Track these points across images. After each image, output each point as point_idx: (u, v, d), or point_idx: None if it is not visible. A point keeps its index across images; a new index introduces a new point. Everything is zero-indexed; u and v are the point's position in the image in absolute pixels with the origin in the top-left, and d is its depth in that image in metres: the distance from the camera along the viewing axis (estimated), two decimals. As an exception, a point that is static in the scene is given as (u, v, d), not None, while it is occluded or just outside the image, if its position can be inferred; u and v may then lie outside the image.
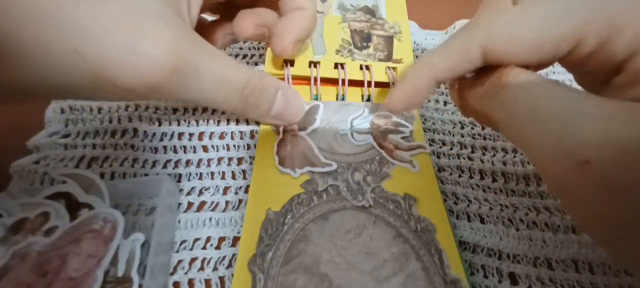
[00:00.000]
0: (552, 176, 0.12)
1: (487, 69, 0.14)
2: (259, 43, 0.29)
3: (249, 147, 0.22)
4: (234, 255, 0.18)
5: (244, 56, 0.28)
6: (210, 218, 0.19)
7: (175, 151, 0.22)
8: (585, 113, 0.11)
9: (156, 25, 0.13)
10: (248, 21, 0.20)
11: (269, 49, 0.22)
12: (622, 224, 0.10)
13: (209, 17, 0.22)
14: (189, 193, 0.20)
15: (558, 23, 0.13)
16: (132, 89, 0.13)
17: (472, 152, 0.23)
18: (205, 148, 0.22)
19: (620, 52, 0.12)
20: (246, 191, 0.20)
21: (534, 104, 0.12)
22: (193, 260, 0.18)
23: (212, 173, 0.21)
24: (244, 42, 0.29)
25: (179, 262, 0.18)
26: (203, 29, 0.21)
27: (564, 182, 0.11)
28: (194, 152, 0.22)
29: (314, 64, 0.23)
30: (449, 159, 0.22)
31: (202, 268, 0.17)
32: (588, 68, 0.14)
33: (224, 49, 0.28)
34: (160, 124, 0.23)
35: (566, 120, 0.11)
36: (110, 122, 0.23)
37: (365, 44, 0.24)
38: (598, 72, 0.14)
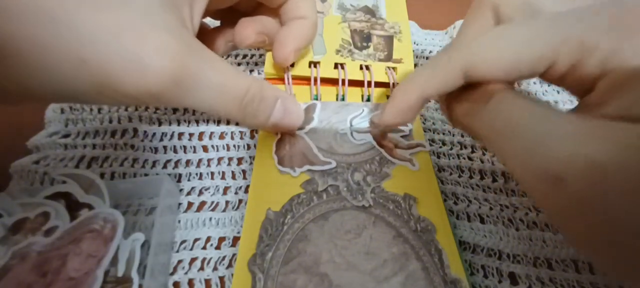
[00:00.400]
0: (531, 191, 0.12)
1: (472, 84, 0.15)
2: (258, 48, 0.29)
3: (249, 147, 0.22)
4: (234, 255, 0.18)
5: (244, 56, 0.28)
6: (210, 218, 0.19)
7: (175, 151, 0.22)
8: (557, 132, 0.11)
9: (160, 34, 0.13)
10: (249, 29, 0.20)
11: (269, 52, 0.23)
12: (598, 238, 0.11)
13: (211, 24, 0.22)
14: (189, 193, 0.20)
15: (533, 45, 0.13)
16: (135, 97, 0.13)
17: (472, 152, 0.23)
18: (205, 149, 0.22)
19: (591, 73, 0.13)
20: (246, 191, 0.20)
21: (512, 123, 0.13)
22: (193, 260, 0.18)
23: (212, 173, 0.21)
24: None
25: (179, 262, 0.18)
26: (205, 36, 0.21)
27: (542, 197, 0.12)
28: (194, 152, 0.22)
29: (314, 64, 0.23)
30: (449, 159, 0.22)
31: (202, 268, 0.17)
32: (564, 85, 0.14)
33: (225, 56, 0.28)
34: (160, 124, 0.23)
35: (540, 139, 0.12)
36: (110, 122, 0.23)
37: (365, 44, 0.24)
38: (574, 89, 0.14)
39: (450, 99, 0.16)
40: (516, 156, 0.12)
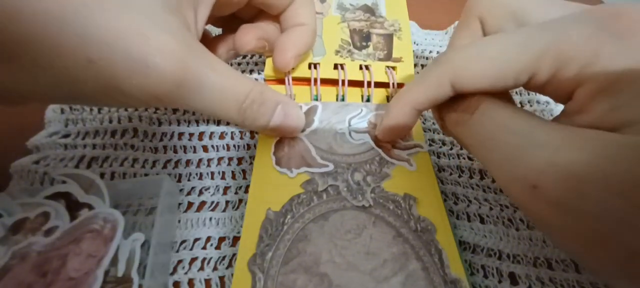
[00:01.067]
0: (513, 198, 0.13)
1: (461, 94, 0.15)
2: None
3: (249, 147, 0.22)
4: (234, 255, 0.18)
5: (244, 57, 0.28)
6: (210, 218, 0.19)
7: (175, 151, 0.22)
8: (535, 141, 0.12)
9: (164, 37, 0.13)
10: (250, 35, 0.20)
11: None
12: (579, 242, 0.11)
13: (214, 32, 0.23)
14: (189, 193, 0.20)
15: (515, 58, 0.14)
16: (139, 99, 0.13)
17: (472, 152, 0.23)
18: (205, 149, 0.22)
19: (569, 83, 0.13)
20: (246, 191, 0.20)
21: (495, 133, 0.13)
22: (193, 260, 0.18)
23: (212, 173, 0.21)
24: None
25: (179, 262, 0.18)
26: (207, 43, 0.21)
27: (522, 203, 0.12)
28: (194, 152, 0.22)
29: (313, 65, 0.23)
30: (449, 159, 0.22)
31: (202, 268, 0.17)
32: (546, 93, 0.15)
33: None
34: (160, 124, 0.23)
35: (520, 148, 0.12)
36: (110, 122, 0.23)
37: (364, 44, 0.24)
38: (555, 97, 0.15)
39: (441, 108, 0.17)
40: (498, 166, 0.13)
